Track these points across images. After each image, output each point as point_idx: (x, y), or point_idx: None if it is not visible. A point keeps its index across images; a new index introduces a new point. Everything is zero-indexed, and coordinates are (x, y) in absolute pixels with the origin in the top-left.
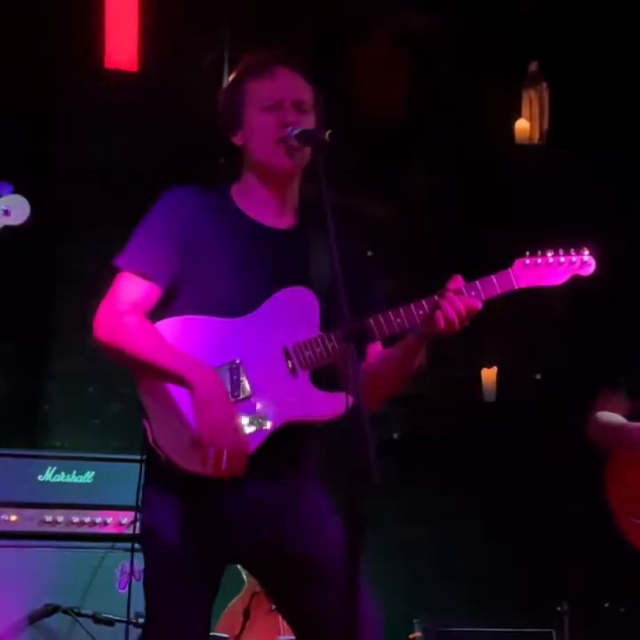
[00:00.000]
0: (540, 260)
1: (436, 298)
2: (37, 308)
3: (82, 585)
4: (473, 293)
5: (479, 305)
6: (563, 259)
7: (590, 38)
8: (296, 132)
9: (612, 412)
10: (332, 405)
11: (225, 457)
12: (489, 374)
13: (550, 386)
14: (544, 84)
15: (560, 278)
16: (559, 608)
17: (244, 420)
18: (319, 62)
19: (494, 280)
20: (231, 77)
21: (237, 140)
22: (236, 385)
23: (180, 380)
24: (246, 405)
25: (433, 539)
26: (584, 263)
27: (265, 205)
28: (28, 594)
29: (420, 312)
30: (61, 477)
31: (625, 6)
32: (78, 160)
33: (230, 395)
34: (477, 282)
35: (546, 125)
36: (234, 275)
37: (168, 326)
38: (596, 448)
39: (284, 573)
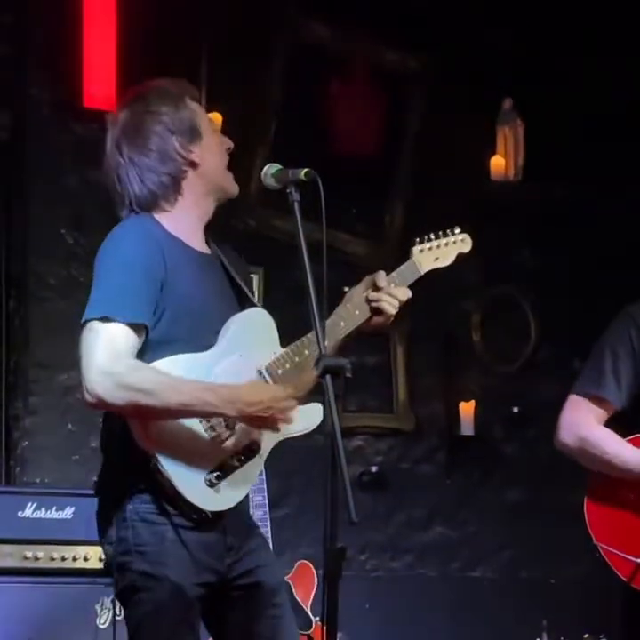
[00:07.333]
0: (432, 245)
1: (368, 297)
2: (16, 344)
3: (62, 620)
4: (392, 285)
5: (406, 295)
6: (451, 239)
7: (563, 75)
8: (273, 171)
9: (588, 419)
10: (307, 419)
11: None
12: (467, 408)
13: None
14: (518, 121)
15: (449, 258)
16: (538, 639)
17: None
18: (294, 99)
19: (405, 270)
20: (169, 95)
21: (197, 156)
22: (221, 424)
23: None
24: (235, 441)
25: (411, 571)
26: (463, 241)
27: (194, 232)
28: (8, 630)
29: (357, 312)
30: (41, 513)
31: (596, 43)
32: (52, 198)
33: (215, 436)
34: (394, 273)
35: (521, 162)
36: (193, 304)
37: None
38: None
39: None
